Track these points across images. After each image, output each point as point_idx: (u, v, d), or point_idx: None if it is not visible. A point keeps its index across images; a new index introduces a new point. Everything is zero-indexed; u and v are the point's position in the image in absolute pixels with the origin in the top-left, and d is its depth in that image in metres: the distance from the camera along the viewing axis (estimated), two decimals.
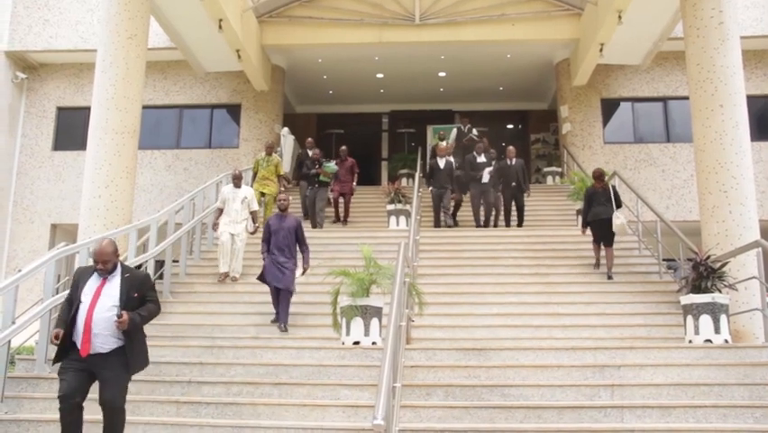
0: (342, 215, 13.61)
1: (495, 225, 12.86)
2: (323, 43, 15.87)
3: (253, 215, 10.57)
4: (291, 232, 8.65)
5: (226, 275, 10.15)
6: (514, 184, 12.69)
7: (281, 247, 8.55)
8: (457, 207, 13.27)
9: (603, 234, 10.26)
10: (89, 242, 8.17)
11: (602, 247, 10.33)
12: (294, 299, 9.48)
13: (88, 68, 16.13)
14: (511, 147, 13.23)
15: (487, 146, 13.25)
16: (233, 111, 17.14)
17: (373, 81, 18.30)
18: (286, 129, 16.22)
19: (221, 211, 10.48)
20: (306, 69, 17.53)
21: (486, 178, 12.48)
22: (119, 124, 9.85)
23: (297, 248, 8.81)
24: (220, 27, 13.26)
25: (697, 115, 9.74)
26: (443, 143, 13.75)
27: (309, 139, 14.57)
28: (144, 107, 11.24)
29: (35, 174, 16.57)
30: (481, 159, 12.67)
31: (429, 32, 15.60)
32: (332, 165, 13.03)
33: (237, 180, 10.61)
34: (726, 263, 7.98)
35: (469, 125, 15.29)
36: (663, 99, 16.49)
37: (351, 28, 15.64)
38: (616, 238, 10.39)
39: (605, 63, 15.58)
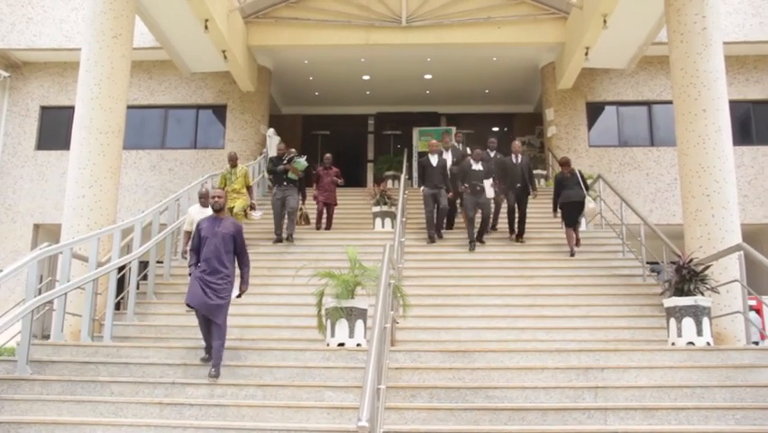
0: (324, 225, 12.63)
1: (494, 228, 12.05)
2: (309, 45, 15.86)
3: None
4: (228, 239, 6.83)
5: None
6: (519, 185, 11.55)
7: (213, 259, 6.71)
8: (453, 208, 12.32)
9: (573, 214, 11.08)
10: (72, 242, 8.13)
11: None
12: (278, 300, 9.47)
13: (72, 67, 16.05)
14: (517, 142, 12.20)
15: (479, 155, 11.71)
16: (219, 112, 17.09)
17: (359, 83, 18.31)
18: (271, 130, 16.20)
19: (189, 235, 9.44)
20: (293, 71, 17.51)
21: (490, 193, 11.30)
22: (103, 123, 9.78)
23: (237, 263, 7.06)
24: (206, 27, 13.22)
25: (680, 119, 9.83)
26: (435, 140, 12.89)
27: (293, 150, 13.07)
28: (129, 107, 11.16)
29: (18, 174, 16.43)
30: (477, 167, 11.34)
31: (416, 35, 15.63)
32: (302, 161, 11.68)
33: (205, 199, 9.71)
34: (709, 266, 8.05)
35: (462, 143, 13.82)
36: (648, 103, 16.62)
37: (337, 29, 15.64)
38: (600, 241, 10.78)
39: (590, 67, 15.69)
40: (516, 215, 11.61)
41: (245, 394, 6.39)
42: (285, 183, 11.47)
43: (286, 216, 11.42)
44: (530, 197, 11.65)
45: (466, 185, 11.22)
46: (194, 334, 8.38)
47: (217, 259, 6.73)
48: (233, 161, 11.43)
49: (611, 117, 16.76)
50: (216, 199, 7.01)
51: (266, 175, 15.13)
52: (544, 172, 16.81)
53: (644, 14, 13.48)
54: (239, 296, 7.04)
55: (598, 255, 11.15)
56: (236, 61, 15.01)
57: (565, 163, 11.51)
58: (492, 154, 12.11)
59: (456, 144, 13.39)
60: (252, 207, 11.30)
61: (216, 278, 6.68)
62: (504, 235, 11.89)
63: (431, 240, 11.45)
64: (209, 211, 9.16)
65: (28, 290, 7.08)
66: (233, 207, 10.87)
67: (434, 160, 11.70)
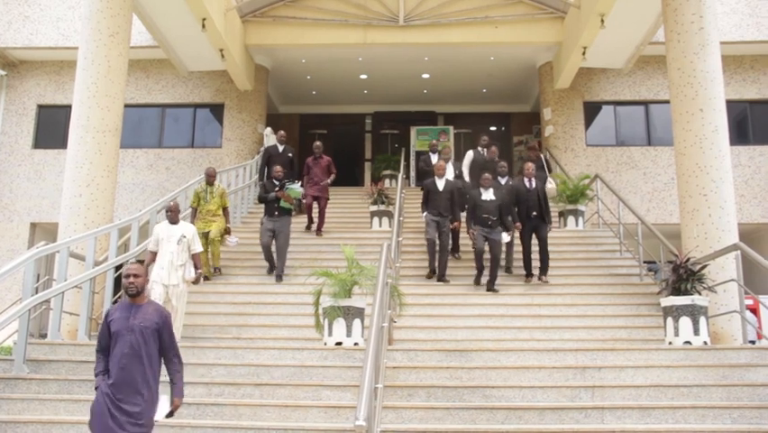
0: (315, 223, 11.95)
1: (509, 270, 10.42)
2: (306, 44, 15.84)
3: (195, 258, 8.38)
4: (149, 336, 4.71)
5: None
6: (535, 214, 9.98)
7: (129, 367, 4.61)
8: (455, 237, 10.87)
9: None
10: (69, 241, 8.12)
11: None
12: (276, 299, 9.47)
13: (69, 65, 16.02)
14: (530, 163, 10.62)
15: (489, 181, 10.02)
16: (216, 110, 17.06)
17: (357, 82, 18.30)
18: (269, 129, 16.18)
19: (154, 256, 8.25)
20: (290, 70, 17.49)
21: (506, 238, 9.85)
22: (100, 122, 9.76)
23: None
24: (203, 26, 13.20)
25: (677, 118, 9.84)
26: (441, 156, 11.35)
27: (281, 132, 12.73)
28: (126, 106, 11.16)
29: (14, 172, 16.39)
30: (488, 195, 9.83)
31: (413, 34, 15.62)
32: (296, 188, 10.44)
33: (173, 214, 8.39)
34: (706, 266, 8.07)
35: (490, 148, 11.98)
36: (645, 103, 16.63)
37: (335, 29, 15.63)
38: (598, 240, 10.92)
39: (587, 66, 15.70)
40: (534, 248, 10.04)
41: (242, 393, 6.39)
42: (276, 213, 10.13)
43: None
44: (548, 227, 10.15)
45: (473, 231, 9.70)
46: (191, 333, 8.39)
47: (134, 366, 4.62)
48: (210, 178, 10.26)
49: (608, 117, 16.76)
50: (132, 280, 4.80)
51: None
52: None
53: (641, 14, 13.49)
54: (170, 414, 4.82)
55: (596, 255, 11.17)
56: (233, 60, 14.99)
57: (533, 148, 12.25)
58: (504, 181, 10.61)
59: (481, 151, 11.87)
60: (228, 232, 10.23)
61: (132, 395, 4.57)
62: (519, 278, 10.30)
63: (432, 273, 10.10)
64: (177, 228, 8.27)
65: (25, 288, 7.07)
66: (209, 232, 9.93)
67: (440, 183, 10.27)
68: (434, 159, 11.22)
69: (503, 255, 10.24)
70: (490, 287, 9.66)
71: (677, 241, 9.70)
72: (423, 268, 10.47)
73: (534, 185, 10.14)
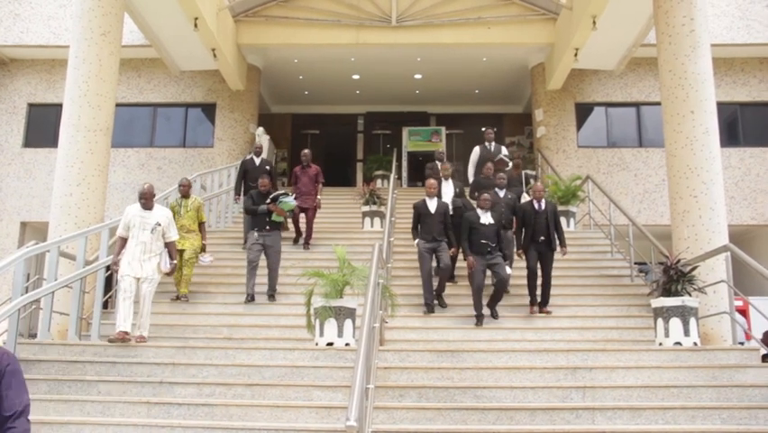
0: (303, 235, 11.33)
1: (506, 290, 9.28)
2: (299, 44, 15.83)
3: (170, 247, 7.89)
4: None
5: (125, 335, 7.27)
6: (543, 239, 9.04)
7: None
8: (452, 262, 9.53)
9: None
10: (60, 240, 8.08)
11: None
12: (267, 299, 9.44)
13: (61, 64, 15.95)
14: (539, 184, 9.74)
15: (487, 201, 9.01)
16: (208, 110, 17.03)
17: (349, 82, 18.30)
18: (261, 129, 16.15)
19: (124, 242, 7.72)
20: (282, 69, 17.48)
21: (508, 270, 9.08)
22: (92, 121, 9.72)
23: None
24: (195, 26, 13.18)
25: (668, 120, 9.89)
26: (435, 172, 10.34)
27: (258, 144, 11.91)
28: (118, 105, 11.08)
29: (4, 171, 16.31)
30: (487, 219, 8.88)
31: (406, 34, 15.64)
32: (290, 201, 9.76)
33: (146, 200, 7.80)
34: (696, 267, 8.10)
35: (494, 142, 11.77)
36: (636, 104, 16.70)
37: (327, 29, 15.63)
38: (589, 241, 10.84)
39: (579, 68, 15.75)
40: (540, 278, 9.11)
41: (233, 394, 6.37)
42: (267, 227, 9.40)
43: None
44: (557, 253, 9.20)
45: (472, 261, 8.65)
46: (182, 333, 8.37)
47: None
48: (185, 189, 9.62)
49: (600, 118, 16.82)
50: None
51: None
52: (533, 173, 16.83)
53: (632, 16, 13.55)
54: None
55: (587, 256, 11.21)
56: (226, 60, 14.97)
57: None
58: (502, 194, 9.94)
59: (487, 146, 11.58)
60: (203, 250, 9.54)
61: None
62: (521, 302, 9.43)
63: (429, 309, 9.05)
64: (151, 214, 7.75)
65: (15, 288, 7.04)
66: (184, 251, 9.19)
67: (431, 204, 9.28)
68: (432, 205, 9.50)
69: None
70: (492, 310, 8.83)
71: (668, 242, 9.74)
72: (414, 268, 10.40)
73: (543, 206, 9.17)
